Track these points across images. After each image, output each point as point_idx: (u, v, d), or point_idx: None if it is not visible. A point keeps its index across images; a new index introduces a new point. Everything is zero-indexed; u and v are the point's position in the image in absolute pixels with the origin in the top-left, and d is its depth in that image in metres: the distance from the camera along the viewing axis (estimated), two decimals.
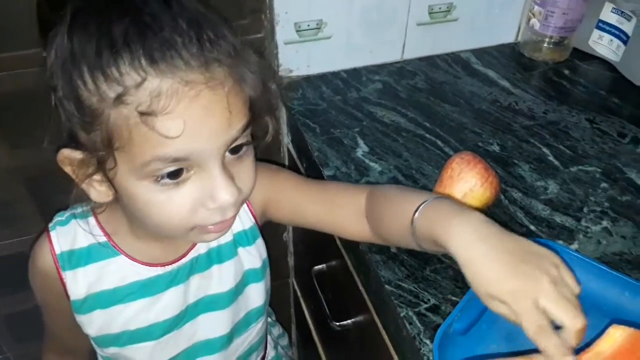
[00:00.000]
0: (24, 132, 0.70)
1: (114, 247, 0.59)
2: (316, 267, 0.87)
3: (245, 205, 0.65)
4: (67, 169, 0.50)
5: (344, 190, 0.63)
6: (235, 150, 0.50)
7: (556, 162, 0.74)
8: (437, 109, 0.85)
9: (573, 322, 0.41)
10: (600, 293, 0.52)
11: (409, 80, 0.92)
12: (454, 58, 0.98)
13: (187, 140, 0.44)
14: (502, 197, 0.68)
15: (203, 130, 0.45)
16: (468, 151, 0.64)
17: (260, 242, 0.68)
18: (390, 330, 0.60)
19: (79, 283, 0.60)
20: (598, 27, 0.94)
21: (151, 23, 0.43)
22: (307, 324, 1.08)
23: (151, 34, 0.43)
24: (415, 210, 0.51)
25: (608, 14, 0.92)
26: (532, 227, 0.64)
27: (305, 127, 0.80)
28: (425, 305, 0.55)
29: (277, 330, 0.92)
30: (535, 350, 0.42)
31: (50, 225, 0.61)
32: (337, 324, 0.78)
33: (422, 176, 0.71)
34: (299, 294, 1.15)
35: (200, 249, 0.63)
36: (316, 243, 0.91)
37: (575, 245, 0.62)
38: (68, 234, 0.59)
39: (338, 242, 0.74)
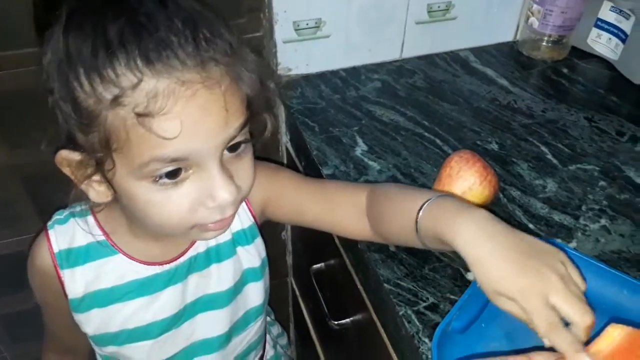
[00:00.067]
0: (23, 131, 0.70)
1: (112, 245, 0.59)
2: (315, 266, 0.87)
3: (244, 204, 0.65)
4: (66, 170, 0.50)
5: (343, 189, 0.63)
6: (233, 148, 0.50)
7: (555, 161, 0.74)
8: (435, 108, 0.85)
9: (583, 318, 0.41)
10: (599, 291, 0.52)
11: (407, 79, 0.92)
12: (452, 57, 0.98)
13: (185, 140, 0.44)
14: (501, 195, 0.68)
15: (200, 130, 0.45)
16: (467, 150, 0.64)
17: (259, 241, 0.67)
18: (389, 329, 0.60)
19: (77, 281, 0.60)
20: (596, 26, 0.94)
21: (147, 23, 0.43)
22: (306, 323, 1.08)
23: (147, 34, 0.42)
24: (420, 209, 0.51)
25: (607, 13, 0.92)
26: (531, 226, 0.64)
27: (304, 126, 0.80)
28: (424, 304, 0.55)
29: (276, 329, 0.92)
30: (534, 349, 0.42)
31: (49, 223, 0.60)
32: (336, 322, 0.78)
33: (421, 175, 0.71)
34: (297, 293, 1.15)
35: (199, 247, 0.63)
36: (315, 242, 0.91)
37: (573, 244, 0.62)
38: (66, 233, 0.59)
39: (337, 240, 0.74)
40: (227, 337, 0.69)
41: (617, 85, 0.90)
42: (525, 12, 0.97)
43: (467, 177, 0.60)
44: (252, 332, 0.73)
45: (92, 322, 0.62)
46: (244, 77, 0.48)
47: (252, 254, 0.67)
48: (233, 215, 0.53)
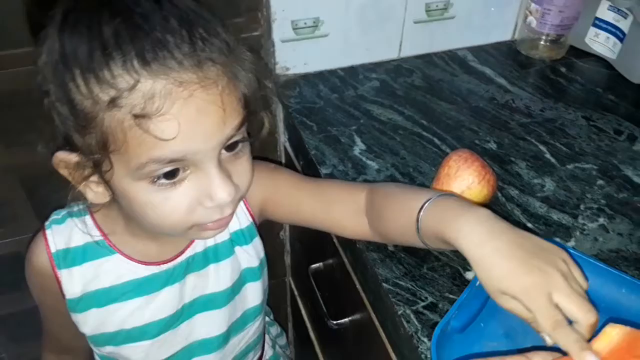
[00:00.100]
0: (20, 131, 0.70)
1: (110, 245, 0.59)
2: (313, 266, 0.87)
3: (242, 204, 0.65)
4: (63, 172, 0.50)
5: (342, 188, 0.63)
6: (231, 148, 0.49)
7: (553, 160, 0.74)
8: (434, 107, 0.85)
9: (587, 316, 0.41)
10: (597, 290, 0.52)
11: (406, 78, 0.92)
12: (451, 56, 0.98)
13: (183, 141, 0.44)
14: (499, 194, 0.68)
15: (198, 130, 0.45)
16: (465, 149, 0.64)
17: (257, 241, 0.67)
18: (388, 329, 0.60)
19: (75, 282, 0.59)
20: (594, 25, 0.94)
21: (142, 23, 0.43)
22: (304, 323, 1.08)
23: (143, 34, 0.42)
24: (421, 208, 0.51)
25: (604, 12, 0.92)
26: (529, 225, 0.64)
27: (302, 126, 0.80)
28: (423, 303, 0.55)
29: (275, 329, 0.92)
30: (533, 348, 0.42)
31: (46, 223, 0.60)
32: (334, 322, 0.77)
33: (419, 174, 0.71)
34: (295, 292, 1.14)
35: (197, 247, 0.63)
36: (313, 241, 0.91)
37: (572, 243, 0.62)
38: (64, 233, 0.59)
39: (335, 240, 0.74)
40: (226, 337, 0.69)
41: (615, 84, 0.90)
42: (523, 11, 0.97)
43: (465, 176, 0.60)
44: (250, 332, 0.73)
45: (89, 322, 0.62)
46: (240, 76, 0.48)
47: (251, 254, 0.66)
48: (232, 214, 0.53)
